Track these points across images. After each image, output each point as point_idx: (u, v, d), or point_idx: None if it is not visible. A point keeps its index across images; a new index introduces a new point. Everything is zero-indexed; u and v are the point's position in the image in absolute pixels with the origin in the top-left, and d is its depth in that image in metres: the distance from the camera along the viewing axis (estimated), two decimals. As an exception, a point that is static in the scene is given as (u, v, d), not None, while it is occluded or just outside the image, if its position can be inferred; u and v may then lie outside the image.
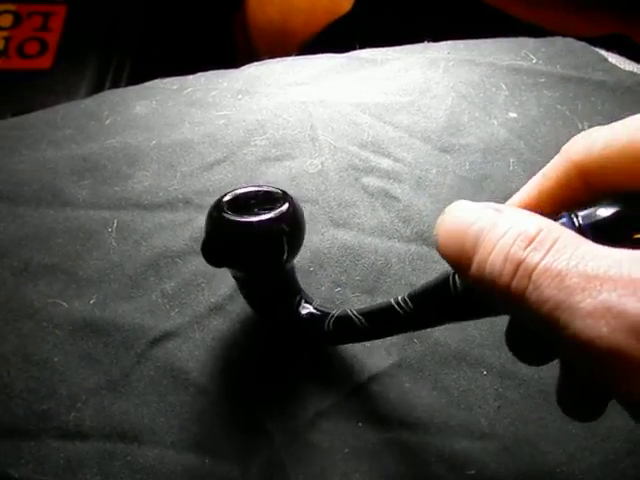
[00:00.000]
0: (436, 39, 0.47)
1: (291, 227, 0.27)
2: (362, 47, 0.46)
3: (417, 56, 0.43)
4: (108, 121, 0.40)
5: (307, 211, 0.35)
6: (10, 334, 0.32)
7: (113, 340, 0.31)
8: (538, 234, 0.16)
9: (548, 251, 0.16)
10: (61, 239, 0.34)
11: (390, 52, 0.45)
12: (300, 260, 0.33)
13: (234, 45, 0.77)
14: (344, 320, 0.27)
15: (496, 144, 0.38)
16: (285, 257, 0.27)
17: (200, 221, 0.35)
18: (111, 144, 0.38)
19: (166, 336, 0.31)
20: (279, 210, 0.26)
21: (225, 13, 0.75)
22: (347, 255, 0.33)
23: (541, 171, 0.22)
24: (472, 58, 0.43)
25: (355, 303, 0.32)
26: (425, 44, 0.46)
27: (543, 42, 0.43)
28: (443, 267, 0.34)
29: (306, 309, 0.29)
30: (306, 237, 0.34)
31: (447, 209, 0.20)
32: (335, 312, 0.28)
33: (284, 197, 0.27)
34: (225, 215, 0.26)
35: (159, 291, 0.33)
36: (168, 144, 0.38)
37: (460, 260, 0.19)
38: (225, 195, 0.27)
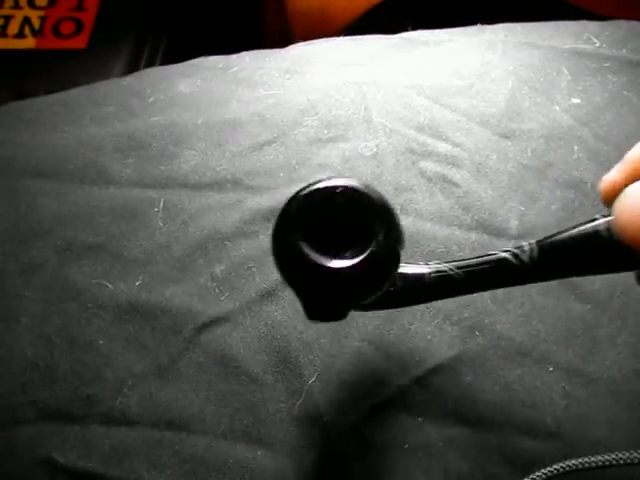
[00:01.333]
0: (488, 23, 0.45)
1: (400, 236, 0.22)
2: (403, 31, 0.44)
3: (472, 39, 0.41)
4: (151, 99, 0.39)
5: (362, 195, 0.33)
6: (53, 314, 0.31)
7: (160, 325, 0.30)
8: None
9: None
10: (105, 218, 0.33)
11: (442, 34, 0.43)
12: (356, 246, 0.32)
13: (264, 29, 0.76)
14: (443, 275, 0.24)
15: (559, 131, 0.36)
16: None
17: (250, 202, 0.33)
18: (156, 122, 0.37)
19: (216, 322, 0.30)
20: (389, 230, 0.21)
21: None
22: (405, 241, 0.32)
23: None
24: (531, 41, 0.41)
25: (413, 292, 0.31)
26: (479, 27, 0.44)
27: (607, 25, 0.41)
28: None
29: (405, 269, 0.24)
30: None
31: (627, 191, 0.20)
32: (432, 266, 0.25)
33: (371, 197, 0.21)
34: (324, 263, 0.19)
35: (208, 274, 0.31)
36: (215, 123, 0.36)
37: None
38: (288, 212, 0.20)
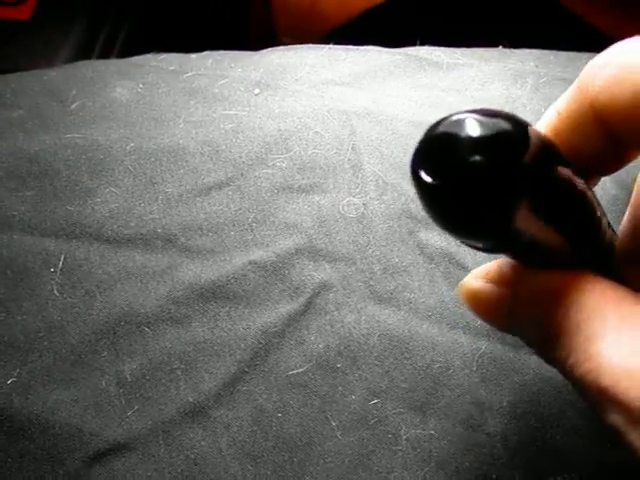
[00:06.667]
0: (512, 43, 0.37)
1: None
2: (406, 44, 0.36)
3: (495, 65, 0.33)
4: (75, 105, 0.30)
5: (339, 274, 0.25)
6: None
7: (33, 449, 0.21)
8: None
9: None
10: (-20, 276, 0.24)
11: (458, 55, 0.34)
12: (324, 350, 0.23)
13: (248, 25, 0.66)
14: None
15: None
16: None
17: (185, 272, 0.24)
18: (72, 140, 0.27)
19: (115, 450, 0.21)
20: None
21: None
22: (392, 349, 0.23)
23: (553, 105, 0.16)
24: (567, 76, 0.32)
25: (398, 424, 0.22)
26: (502, 50, 0.35)
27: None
28: (522, 379, 0.24)
29: None
30: (336, 315, 0.24)
31: None
32: None
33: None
34: None
35: (113, 375, 0.22)
36: (151, 150, 0.27)
37: None
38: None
